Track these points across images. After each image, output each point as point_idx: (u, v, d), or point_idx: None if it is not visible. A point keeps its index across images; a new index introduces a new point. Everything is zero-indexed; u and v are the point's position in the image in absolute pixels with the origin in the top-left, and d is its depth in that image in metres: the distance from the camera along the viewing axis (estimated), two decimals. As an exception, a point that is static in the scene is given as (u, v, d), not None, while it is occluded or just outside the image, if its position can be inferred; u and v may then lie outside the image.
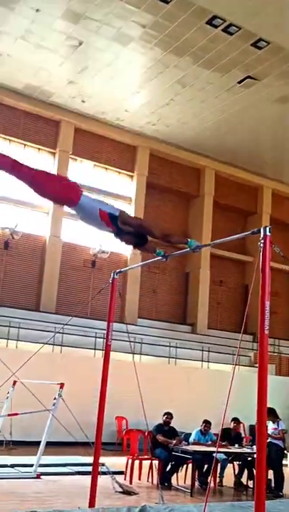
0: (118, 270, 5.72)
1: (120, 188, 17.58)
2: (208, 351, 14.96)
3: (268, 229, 3.56)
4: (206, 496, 3.94)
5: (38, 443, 7.60)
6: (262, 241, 3.54)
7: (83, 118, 16.39)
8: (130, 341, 7.59)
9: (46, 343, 7.44)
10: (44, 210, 16.08)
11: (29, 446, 9.06)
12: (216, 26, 12.01)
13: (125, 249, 17.31)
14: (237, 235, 4.31)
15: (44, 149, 16.29)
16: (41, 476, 7.35)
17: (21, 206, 15.74)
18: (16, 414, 7.70)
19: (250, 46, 12.61)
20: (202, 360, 14.90)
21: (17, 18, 12.04)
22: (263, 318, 3.41)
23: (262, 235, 3.56)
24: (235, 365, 3.84)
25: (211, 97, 14.94)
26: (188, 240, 4.36)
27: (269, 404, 8.69)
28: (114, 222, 4.16)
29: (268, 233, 3.55)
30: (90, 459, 5.53)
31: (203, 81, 14.20)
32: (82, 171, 16.95)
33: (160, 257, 4.67)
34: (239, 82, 14.17)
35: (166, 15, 11.70)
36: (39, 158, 16.25)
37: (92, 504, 5.19)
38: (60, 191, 4.06)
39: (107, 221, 4.14)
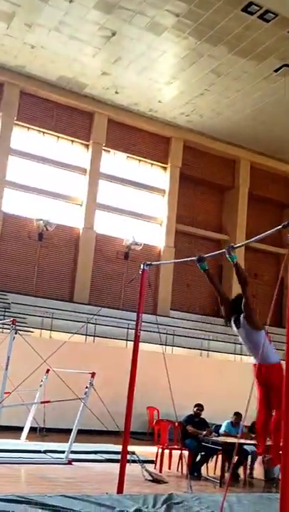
0: (148, 262, 5.72)
1: (154, 180, 17.55)
2: (241, 344, 14.76)
3: (298, 221, 3.46)
4: (226, 485, 3.93)
5: (70, 430, 7.77)
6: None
7: (116, 109, 16.43)
8: (161, 332, 7.61)
9: (77, 333, 7.57)
10: (77, 202, 16.29)
11: (61, 433, 9.29)
12: (251, 13, 11.72)
13: (158, 242, 17.32)
14: (267, 232, 4.24)
15: (77, 141, 16.45)
16: (72, 463, 7.52)
17: (55, 198, 16.00)
18: (48, 401, 7.89)
19: (287, 33, 12.24)
20: (235, 353, 14.76)
21: (51, 10, 12.16)
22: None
23: (292, 227, 3.47)
24: (256, 366, 3.78)
25: (247, 86, 14.62)
26: (232, 257, 4.53)
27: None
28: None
29: (297, 225, 3.45)
30: (120, 448, 5.61)
31: (239, 70, 13.92)
32: (116, 163, 17.04)
33: (201, 270, 4.82)
34: (275, 71, 13.80)
35: (200, 3, 11.51)
36: (72, 150, 16.45)
37: (120, 490, 5.28)
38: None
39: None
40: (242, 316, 4.62)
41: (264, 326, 4.56)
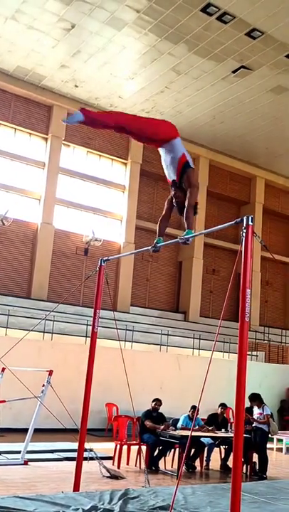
0: (106, 258, 5.71)
1: (114, 176, 17.49)
2: (200, 339, 15.06)
3: (250, 218, 3.56)
4: (178, 478, 4.01)
5: (27, 430, 7.65)
6: (244, 230, 3.55)
7: (76, 103, 16.19)
8: (119, 328, 7.62)
9: (33, 330, 7.45)
10: (35, 197, 15.99)
11: (19, 433, 9.13)
12: (210, 14, 11.87)
13: (118, 237, 17.31)
14: (221, 225, 4.33)
15: (36, 134, 16.12)
16: (29, 463, 7.42)
17: (12, 192, 15.62)
18: (3, 401, 7.73)
19: (245, 35, 12.50)
20: (193, 348, 15.02)
21: (8, -1, 11.83)
22: (243, 306, 3.43)
23: (244, 224, 3.57)
24: (213, 351, 3.88)
25: (206, 85, 14.83)
26: (187, 229, 4.34)
27: (258, 390, 8.86)
28: (182, 173, 4.41)
29: (250, 222, 3.55)
30: (77, 445, 5.58)
31: (198, 69, 14.08)
32: (75, 158, 16.85)
33: (151, 248, 4.67)
34: (233, 72, 14.07)
35: (161, 0, 11.53)
36: (30, 144, 16.11)
37: (76, 488, 5.26)
38: (162, 126, 4.40)
39: (180, 168, 4.41)
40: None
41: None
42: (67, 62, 14.28)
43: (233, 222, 3.93)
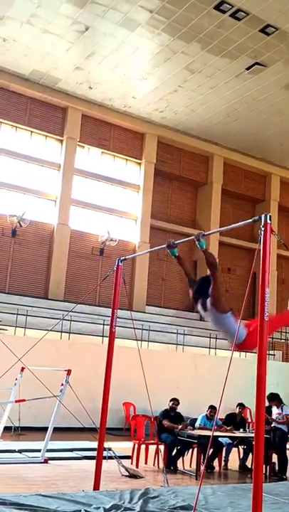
0: (122, 258, 5.73)
1: (128, 176, 17.54)
2: (216, 338, 15.01)
3: (268, 216, 3.54)
4: (200, 478, 4.01)
5: (47, 429, 7.73)
6: (262, 228, 3.53)
7: (90, 104, 16.32)
8: (136, 328, 7.64)
9: (51, 330, 7.53)
10: (51, 198, 16.14)
11: (38, 432, 9.23)
12: (223, 11, 11.82)
13: (133, 237, 17.35)
14: (237, 224, 4.31)
15: (51, 136, 16.26)
16: (49, 461, 7.50)
17: (28, 194, 15.80)
18: (23, 400, 7.83)
19: (258, 32, 12.42)
20: (209, 347, 14.97)
21: (22, 3, 11.96)
22: (262, 305, 3.41)
23: (262, 223, 3.55)
24: (233, 351, 3.86)
25: (220, 83, 14.76)
26: (202, 243, 4.33)
27: (275, 390, 8.78)
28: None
29: (268, 221, 3.53)
30: (96, 444, 5.62)
31: (212, 67, 14.02)
32: (90, 159, 16.94)
33: (173, 256, 4.68)
34: (247, 69, 13.97)
35: (174, -1, 11.54)
36: (46, 146, 16.26)
37: (96, 487, 5.30)
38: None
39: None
40: (208, 299, 4.40)
41: (230, 308, 4.41)
42: (82, 64, 14.37)
43: (250, 220, 3.91)
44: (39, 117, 15.97)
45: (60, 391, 7.66)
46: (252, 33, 12.48)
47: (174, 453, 7.95)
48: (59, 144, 16.39)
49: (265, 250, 3.49)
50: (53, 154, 16.26)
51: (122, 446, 8.82)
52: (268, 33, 12.46)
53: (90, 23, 12.52)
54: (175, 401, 8.31)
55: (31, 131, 16.00)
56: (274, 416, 8.27)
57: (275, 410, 8.30)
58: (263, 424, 3.45)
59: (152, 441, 8.16)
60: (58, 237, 15.77)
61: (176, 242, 4.71)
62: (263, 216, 3.55)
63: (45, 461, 7.47)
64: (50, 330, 7.17)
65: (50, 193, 16.10)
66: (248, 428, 8.81)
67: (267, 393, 8.12)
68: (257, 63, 13.71)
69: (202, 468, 6.60)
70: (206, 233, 4.47)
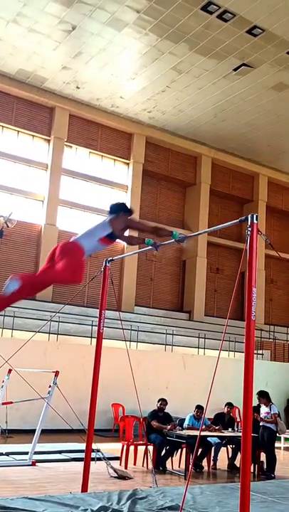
0: (110, 258, 5.71)
1: (116, 176, 17.50)
2: (205, 338, 15.05)
3: (255, 216, 3.55)
4: (187, 478, 4.00)
5: (35, 431, 7.67)
6: (249, 228, 3.54)
7: (78, 104, 16.24)
8: (124, 329, 7.62)
9: (39, 331, 7.46)
10: (39, 198, 16.03)
11: (25, 434, 9.15)
12: (211, 12, 11.86)
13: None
14: (225, 224, 4.32)
15: (38, 136, 16.15)
16: (36, 464, 7.44)
17: (16, 194, 15.67)
18: (11, 402, 7.76)
19: (245, 33, 12.48)
20: (198, 347, 15.00)
21: (8, 1, 11.85)
22: (250, 304, 3.42)
23: (249, 223, 3.56)
24: (220, 350, 3.87)
25: (207, 84, 14.80)
26: (173, 231, 4.55)
27: (264, 389, 8.81)
28: (112, 236, 4.54)
29: (255, 221, 3.54)
30: (84, 446, 5.58)
31: (199, 68, 14.06)
32: (78, 159, 16.87)
33: (150, 247, 4.75)
34: (235, 70, 14.04)
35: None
36: (33, 146, 16.15)
37: (84, 489, 5.27)
38: (66, 276, 4.20)
39: (108, 241, 4.53)
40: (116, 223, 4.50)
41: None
42: (69, 64, 14.30)
43: (237, 220, 3.92)
44: (26, 117, 15.84)
45: (48, 393, 7.60)
46: (239, 34, 12.54)
47: (162, 453, 7.95)
48: (46, 144, 16.28)
49: (251, 250, 3.50)
50: (41, 154, 16.15)
51: (110, 448, 8.79)
52: (255, 35, 12.54)
53: (77, 22, 12.46)
54: (163, 401, 8.32)
55: (18, 131, 15.87)
56: (262, 415, 8.32)
57: (263, 409, 8.35)
58: (251, 422, 3.46)
59: (141, 442, 8.14)
60: (45, 238, 15.66)
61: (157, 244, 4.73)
62: (249, 216, 3.56)
63: (33, 464, 7.40)
64: (38, 331, 7.11)
65: (38, 193, 16.00)
66: (237, 427, 8.85)
67: (255, 392, 8.21)
68: (244, 64, 13.79)
69: (190, 467, 6.62)
70: (194, 233, 4.53)
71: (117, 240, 4.76)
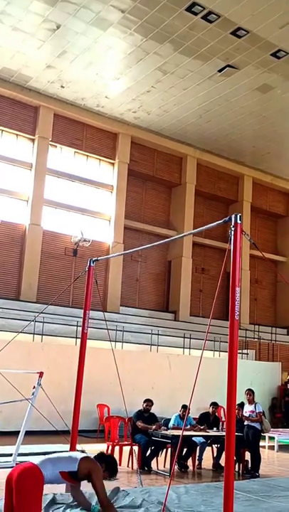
0: (94, 258, 5.69)
1: (101, 176, 17.46)
2: (190, 338, 15.10)
3: (238, 216, 3.57)
4: (170, 476, 4.01)
5: (19, 433, 7.59)
6: (233, 228, 3.56)
7: (63, 104, 16.15)
8: (110, 329, 7.60)
9: (22, 332, 7.40)
10: (23, 198, 15.89)
11: (9, 436, 9.05)
12: (195, 13, 11.90)
13: (107, 238, 17.28)
14: (210, 225, 4.35)
15: (22, 135, 16.01)
16: (21, 465, 7.35)
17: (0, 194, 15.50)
18: (-6, 403, 7.66)
19: (230, 35, 12.55)
20: (184, 347, 15.04)
21: (-8, 0, 11.72)
22: (233, 304, 3.44)
23: (233, 223, 3.58)
24: (203, 350, 3.88)
25: (192, 85, 14.86)
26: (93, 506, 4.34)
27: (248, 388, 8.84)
28: (75, 477, 4.22)
29: (238, 221, 3.56)
30: (69, 447, 5.55)
31: (184, 69, 14.10)
32: (63, 158, 16.77)
33: None
34: (219, 71, 14.12)
35: (146, 0, 11.54)
36: (17, 145, 16.00)
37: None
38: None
39: (68, 478, 4.22)
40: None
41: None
42: (53, 63, 14.21)
43: (221, 221, 3.94)
44: (10, 116, 15.69)
45: (32, 394, 7.53)
46: (224, 36, 12.62)
47: (148, 453, 7.95)
48: (31, 143, 16.15)
49: (235, 250, 3.52)
50: (25, 153, 16.01)
51: (96, 448, 8.72)
52: (240, 36, 12.63)
53: (62, 21, 12.38)
54: (149, 402, 8.32)
55: (2, 130, 15.71)
56: (246, 414, 8.37)
57: (247, 408, 8.41)
58: (235, 421, 3.47)
59: (126, 443, 8.13)
60: (30, 238, 15.54)
61: None
62: (233, 216, 3.58)
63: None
64: (21, 331, 7.04)
65: (22, 192, 15.86)
66: (222, 427, 8.89)
67: (240, 392, 8.27)
68: (229, 65, 13.87)
69: (173, 466, 6.63)
70: (180, 235, 4.54)
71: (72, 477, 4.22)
